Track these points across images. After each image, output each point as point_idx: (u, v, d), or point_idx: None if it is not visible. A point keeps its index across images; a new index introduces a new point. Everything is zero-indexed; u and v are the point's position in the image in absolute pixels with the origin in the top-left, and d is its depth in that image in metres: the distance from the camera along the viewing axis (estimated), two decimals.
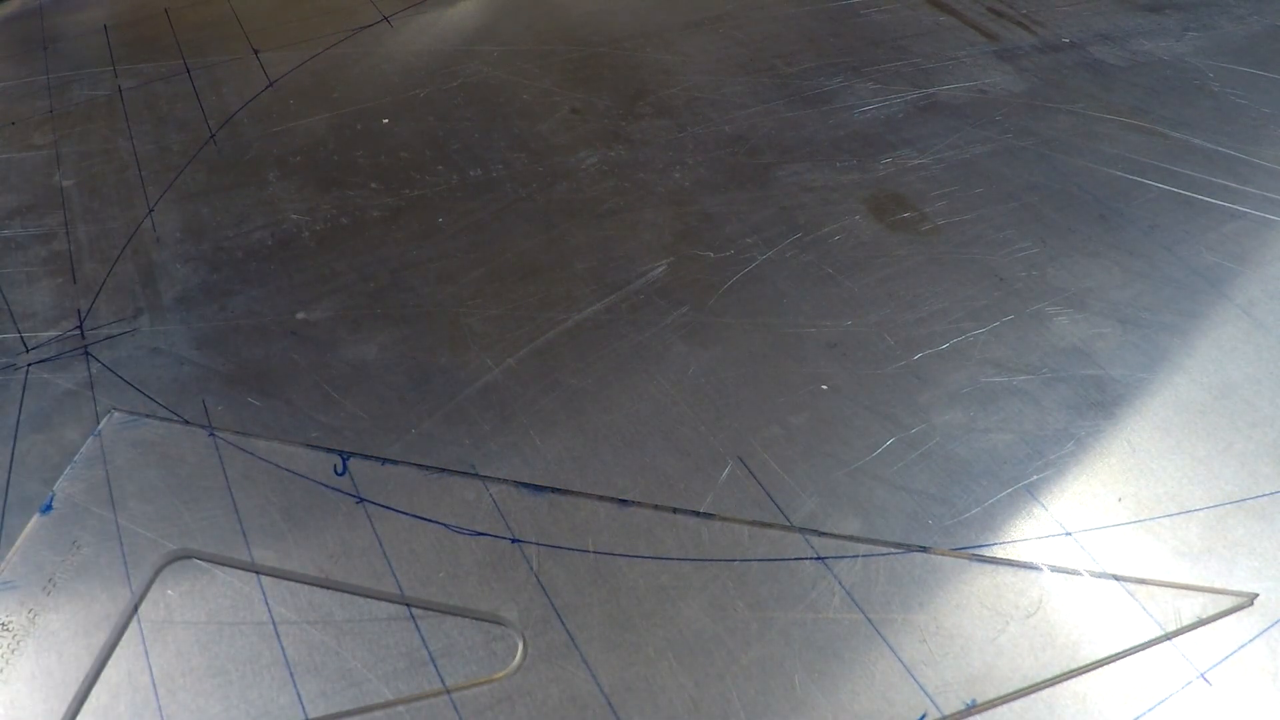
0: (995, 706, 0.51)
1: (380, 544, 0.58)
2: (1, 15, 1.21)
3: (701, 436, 0.65)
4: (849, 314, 0.74)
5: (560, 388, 0.68)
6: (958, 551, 0.58)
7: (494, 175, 0.88)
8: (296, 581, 0.57)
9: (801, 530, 0.59)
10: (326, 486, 0.62)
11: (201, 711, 0.51)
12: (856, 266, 0.78)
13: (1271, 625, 0.55)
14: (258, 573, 0.57)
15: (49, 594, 0.56)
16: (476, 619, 0.55)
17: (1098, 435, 0.65)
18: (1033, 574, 0.57)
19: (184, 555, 0.58)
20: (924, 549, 0.58)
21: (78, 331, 0.73)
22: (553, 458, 0.64)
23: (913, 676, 0.52)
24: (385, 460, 0.63)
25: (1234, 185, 0.86)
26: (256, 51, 1.10)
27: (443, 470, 0.63)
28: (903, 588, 0.56)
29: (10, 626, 0.54)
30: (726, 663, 0.53)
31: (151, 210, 0.86)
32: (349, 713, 0.51)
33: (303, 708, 0.51)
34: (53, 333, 0.73)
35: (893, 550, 0.58)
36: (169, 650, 0.53)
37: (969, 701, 0.51)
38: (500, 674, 0.52)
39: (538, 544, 0.58)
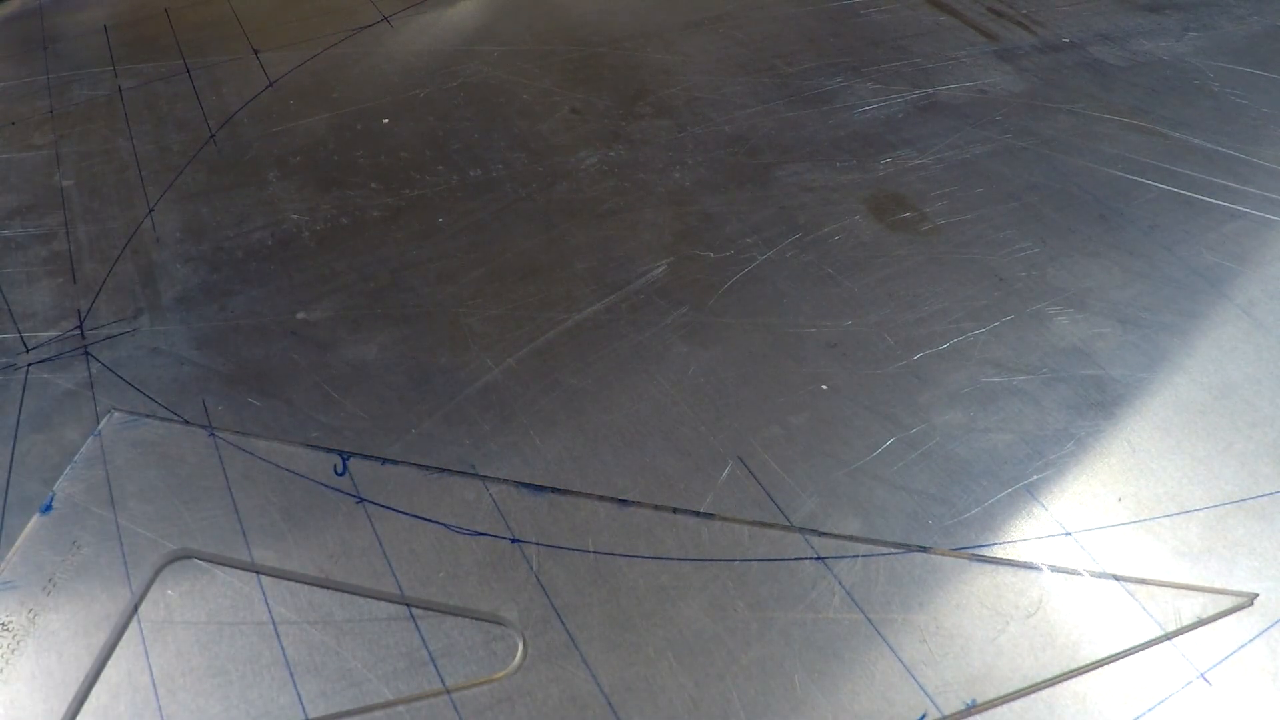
0: (995, 706, 0.51)
1: (380, 544, 0.58)
2: (1, 15, 1.21)
3: (701, 436, 0.65)
4: (849, 314, 0.74)
5: (560, 388, 0.68)
6: (958, 551, 0.58)
7: (494, 175, 0.88)
8: (296, 581, 0.57)
9: (801, 530, 0.59)
10: (326, 486, 0.62)
11: (201, 711, 0.51)
12: (856, 266, 0.78)
13: (1271, 625, 0.55)
14: (258, 573, 0.57)
15: (49, 594, 0.56)
16: (476, 619, 0.55)
17: (1098, 435, 0.65)
18: (1033, 574, 0.57)
19: (184, 555, 0.58)
20: (924, 549, 0.58)
21: (78, 331, 0.73)
22: (553, 458, 0.64)
23: (913, 676, 0.52)
24: (385, 460, 0.63)
25: (1234, 185, 0.86)
26: (256, 51, 1.10)
27: (443, 470, 0.63)
28: (903, 588, 0.56)
29: (10, 626, 0.54)
30: (726, 663, 0.53)
31: (151, 210, 0.86)
32: (349, 713, 0.51)
33: (303, 708, 0.51)
34: (53, 333, 0.73)
35: (893, 550, 0.58)
36: (169, 650, 0.53)
37: (969, 701, 0.51)
38: (500, 674, 0.52)
39: (538, 544, 0.58)
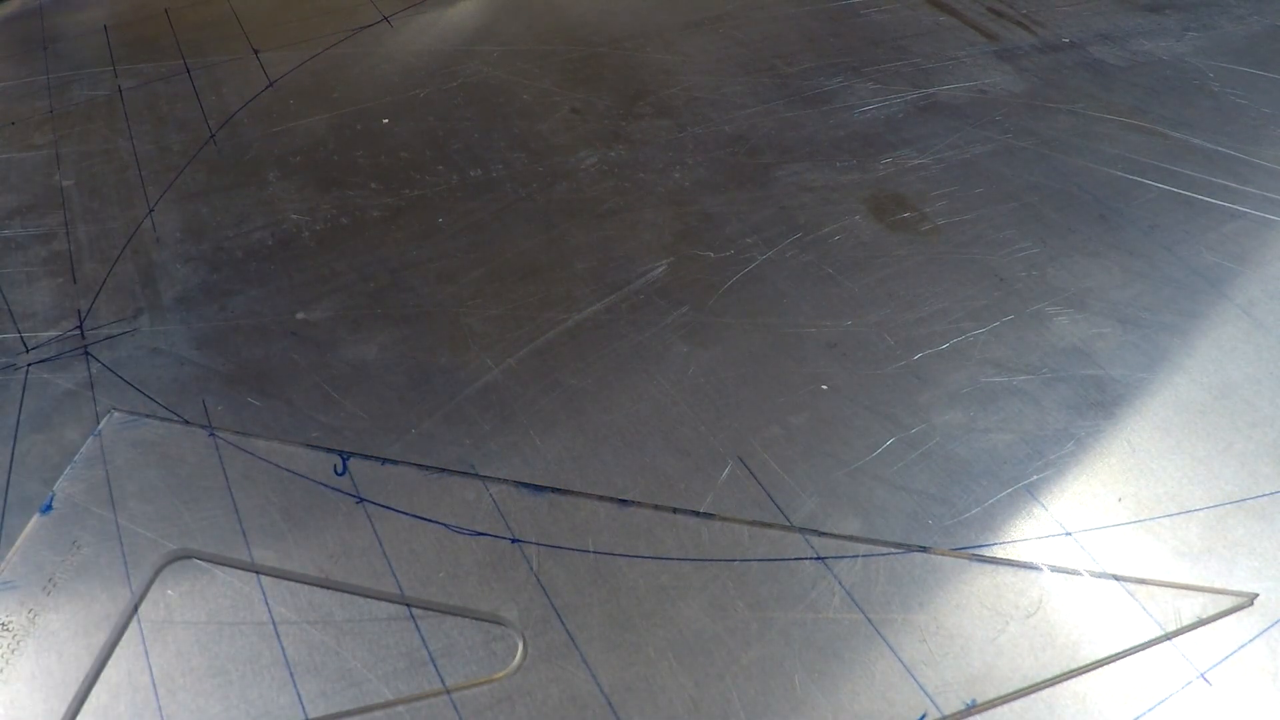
0: (995, 706, 0.51)
1: (380, 544, 0.58)
2: (1, 15, 1.21)
3: (701, 436, 0.65)
4: (849, 314, 0.74)
5: (560, 388, 0.68)
6: (958, 551, 0.58)
7: (494, 175, 0.88)
8: (296, 581, 0.57)
9: (801, 530, 0.59)
10: (326, 486, 0.62)
11: (201, 711, 0.51)
12: (856, 266, 0.78)
13: (1271, 625, 0.55)
14: (258, 573, 0.57)
15: (49, 594, 0.56)
16: (476, 619, 0.55)
17: (1098, 435, 0.65)
18: (1033, 574, 0.57)
19: (184, 555, 0.58)
20: (924, 549, 0.58)
21: (78, 331, 0.73)
22: (553, 458, 0.64)
23: (913, 676, 0.52)
24: (385, 460, 0.63)
25: (1234, 185, 0.86)
26: (256, 51, 1.10)
27: (443, 470, 0.63)
28: (903, 588, 0.56)
29: (10, 626, 0.54)
30: (726, 663, 0.53)
31: (151, 210, 0.86)
32: (349, 713, 0.51)
33: (303, 708, 0.51)
34: (53, 333, 0.73)
35: (893, 550, 0.58)
36: (169, 650, 0.53)
37: (969, 701, 0.51)
38: (500, 674, 0.52)
39: (538, 544, 0.58)
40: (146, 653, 0.53)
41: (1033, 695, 0.51)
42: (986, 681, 0.52)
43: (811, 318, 0.74)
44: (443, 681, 0.52)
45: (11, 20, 1.20)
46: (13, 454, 0.64)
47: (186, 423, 0.66)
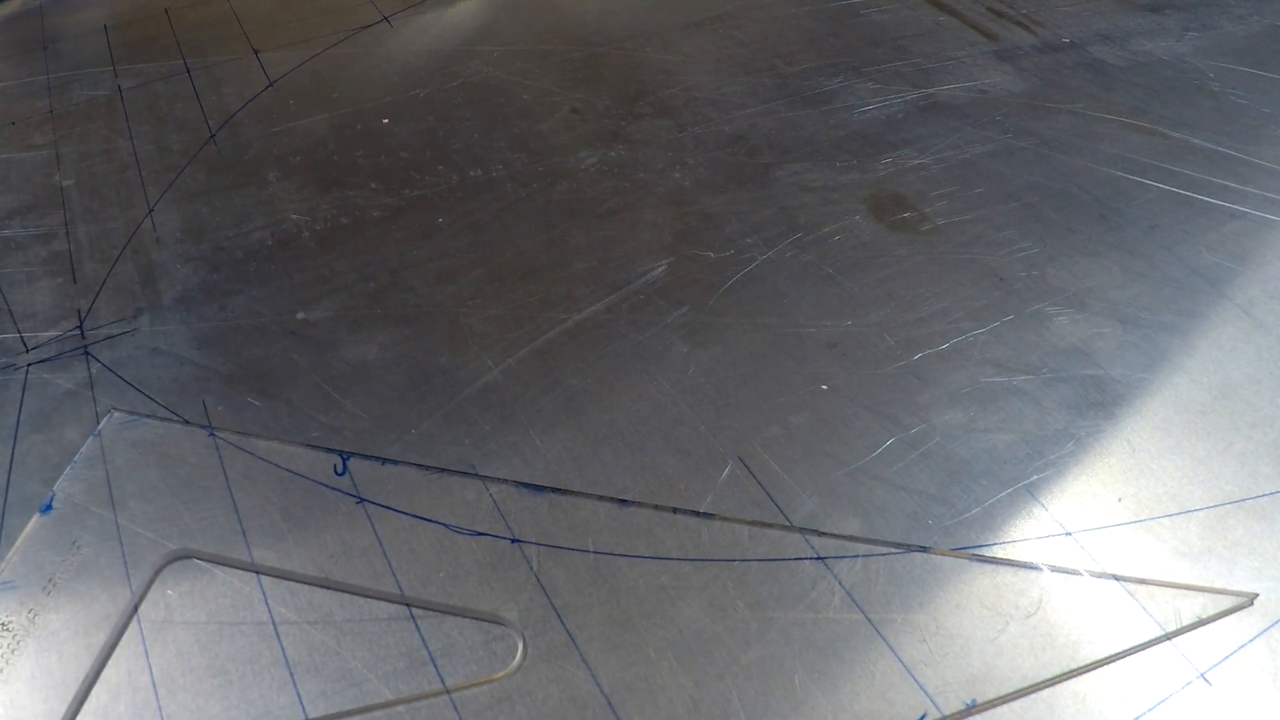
0: (995, 706, 0.51)
1: (380, 544, 0.58)
2: (1, 15, 1.22)
3: (701, 436, 0.65)
4: (849, 314, 0.74)
5: (560, 388, 0.68)
6: (958, 551, 0.58)
7: (494, 175, 0.88)
8: (296, 581, 0.57)
9: (801, 530, 0.59)
10: (326, 486, 0.62)
11: (201, 711, 0.51)
12: (856, 266, 0.78)
13: (1271, 625, 0.55)
14: (258, 573, 0.57)
15: (49, 594, 0.56)
16: (476, 619, 0.55)
17: (1098, 435, 0.65)
18: (1033, 574, 0.57)
19: (184, 555, 0.58)
20: (924, 549, 0.58)
21: (78, 331, 0.73)
22: (553, 458, 0.64)
23: (913, 676, 0.52)
24: (385, 460, 0.63)
25: (1234, 185, 0.86)
26: (256, 51, 1.10)
27: (443, 470, 0.63)
28: (903, 588, 0.56)
29: (10, 626, 0.54)
30: (726, 663, 0.53)
31: (151, 210, 0.86)
32: (349, 713, 0.51)
33: (303, 708, 0.51)
34: (53, 333, 0.73)
35: (893, 550, 0.58)
36: (169, 650, 0.53)
37: (969, 701, 0.51)
38: (500, 674, 0.52)
39: (538, 544, 0.58)
40: (146, 653, 0.53)
41: (1033, 695, 0.51)
42: (986, 681, 0.52)
43: (811, 318, 0.74)
44: (443, 681, 0.52)
45: (11, 20, 1.20)
46: (13, 454, 0.64)
47: (186, 423, 0.66)
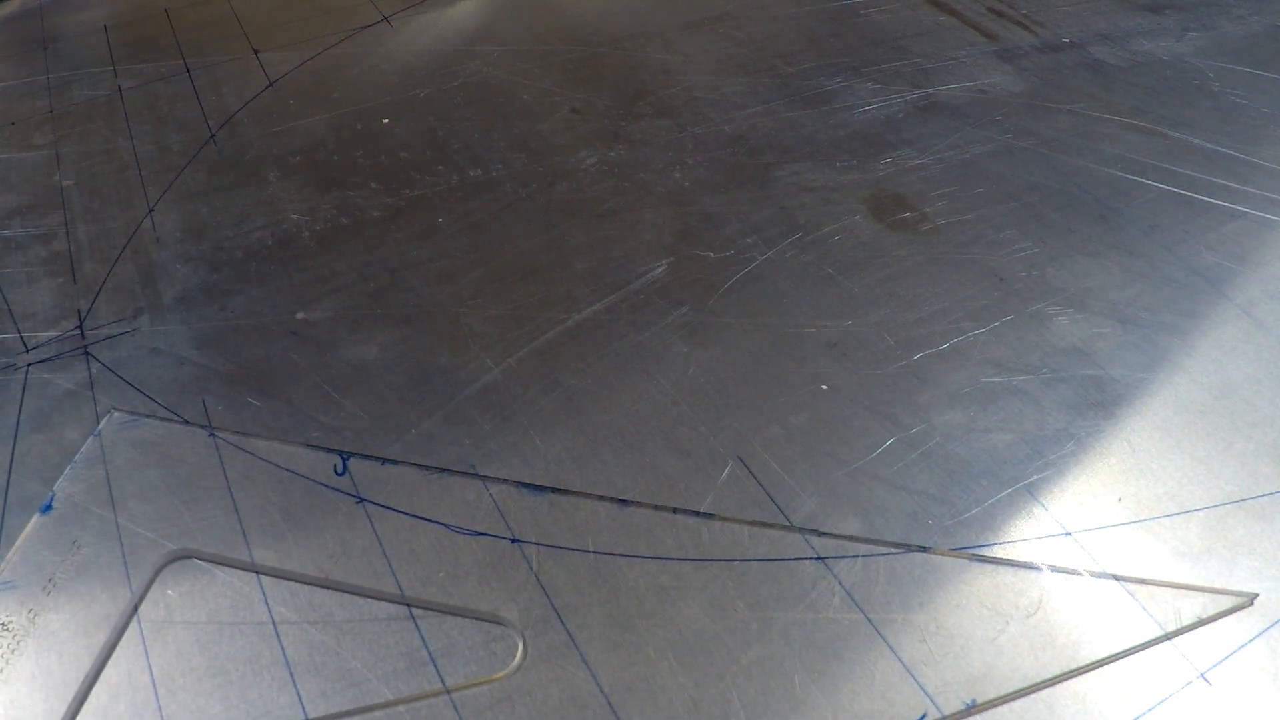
0: (995, 706, 0.51)
1: (380, 544, 0.58)
2: (1, 15, 1.21)
3: (701, 436, 0.65)
4: (849, 314, 0.74)
5: (560, 388, 0.68)
6: (958, 551, 0.58)
7: (494, 175, 0.88)
8: (296, 581, 0.57)
9: (801, 530, 0.59)
10: (326, 486, 0.62)
11: (201, 711, 0.51)
12: (856, 266, 0.78)
13: (1271, 625, 0.55)
14: (258, 573, 0.57)
15: (49, 594, 0.56)
16: (476, 619, 0.55)
17: (1098, 435, 0.65)
18: (1033, 574, 0.57)
19: (184, 555, 0.58)
20: (924, 549, 0.58)
21: (78, 331, 0.73)
22: (553, 458, 0.63)
23: (913, 676, 0.52)
24: (385, 460, 0.63)
25: (1234, 185, 0.86)
26: (256, 51, 1.10)
27: (443, 470, 0.63)
28: (903, 588, 0.56)
29: (10, 626, 0.54)
30: (726, 663, 0.53)
31: (151, 210, 0.86)
32: (349, 713, 0.51)
33: (303, 708, 0.51)
34: (53, 333, 0.73)
35: (893, 550, 0.58)
36: (169, 650, 0.53)
37: (969, 701, 0.51)
38: (500, 674, 0.52)
39: (538, 544, 0.58)
40: (146, 653, 0.53)
41: (1033, 695, 0.51)
42: (986, 681, 0.52)
43: (811, 318, 0.74)
44: (443, 681, 0.52)
45: (11, 20, 1.20)
46: (13, 454, 0.64)
47: (186, 423, 0.66)
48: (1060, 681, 0.52)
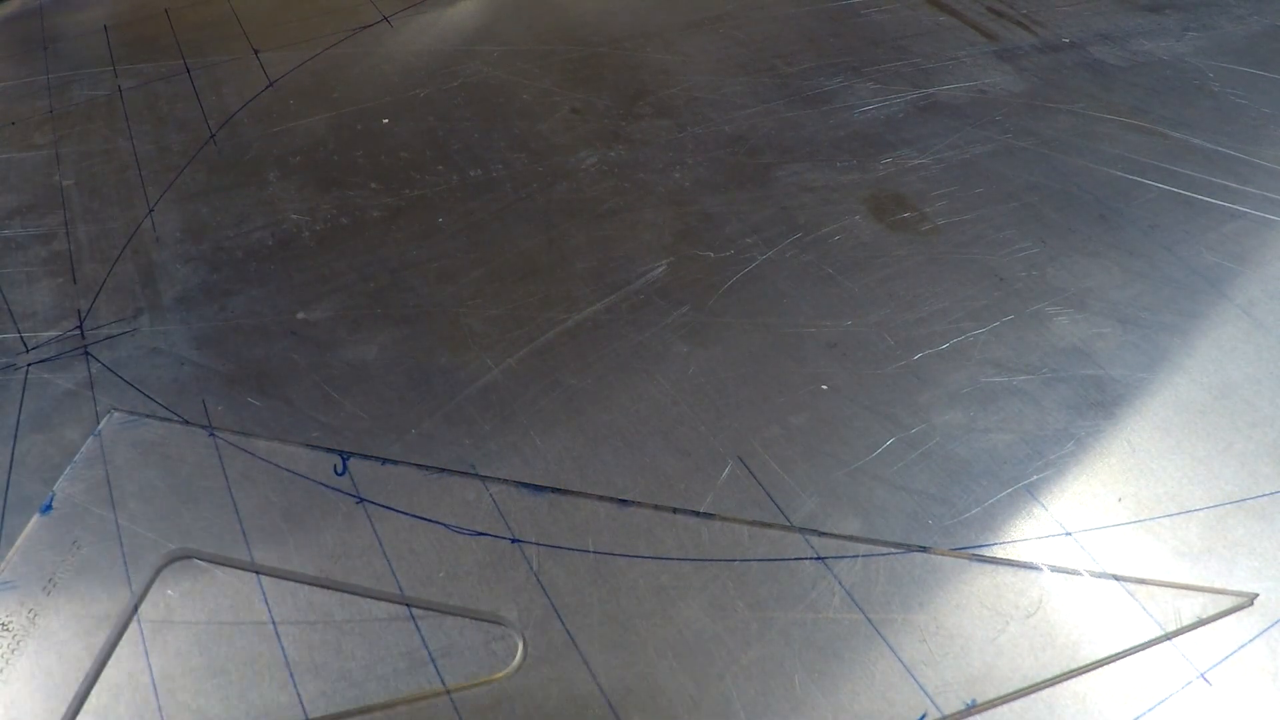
0: (995, 706, 0.51)
1: (380, 544, 0.58)
2: (1, 15, 1.21)
3: (701, 436, 0.65)
4: (849, 314, 0.74)
5: (560, 388, 0.68)
6: (958, 551, 0.58)
7: (494, 175, 0.88)
8: (296, 581, 0.57)
9: (801, 530, 0.59)
10: (326, 486, 0.62)
11: (201, 711, 0.51)
12: (856, 266, 0.78)
13: (1271, 625, 0.55)
14: (258, 573, 0.57)
15: (49, 594, 0.56)
16: (476, 619, 0.55)
17: (1098, 435, 0.65)
18: (1033, 574, 0.57)
19: (184, 555, 0.58)
20: (924, 549, 0.58)
21: (78, 331, 0.73)
22: (553, 458, 0.63)
23: (913, 676, 0.52)
24: (385, 460, 0.63)
25: (1234, 185, 0.86)
26: (256, 51, 1.10)
27: (443, 470, 0.63)
28: (903, 588, 0.56)
29: (10, 626, 0.54)
30: (726, 663, 0.53)
31: (151, 210, 0.86)
32: (349, 713, 0.51)
33: (303, 708, 0.51)
34: (53, 333, 0.73)
35: (893, 550, 0.58)
36: (169, 650, 0.53)
37: (969, 701, 0.51)
38: (500, 674, 0.52)
39: (538, 544, 0.58)
40: (146, 653, 0.53)
41: (1033, 695, 0.51)
42: (986, 681, 0.52)
43: (811, 318, 0.74)
44: (443, 681, 0.52)
45: (11, 20, 1.20)
46: (13, 454, 0.64)
47: (186, 423, 0.66)
48: (1060, 681, 0.52)
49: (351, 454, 0.64)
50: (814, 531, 0.59)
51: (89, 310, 0.75)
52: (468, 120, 0.96)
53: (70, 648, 0.54)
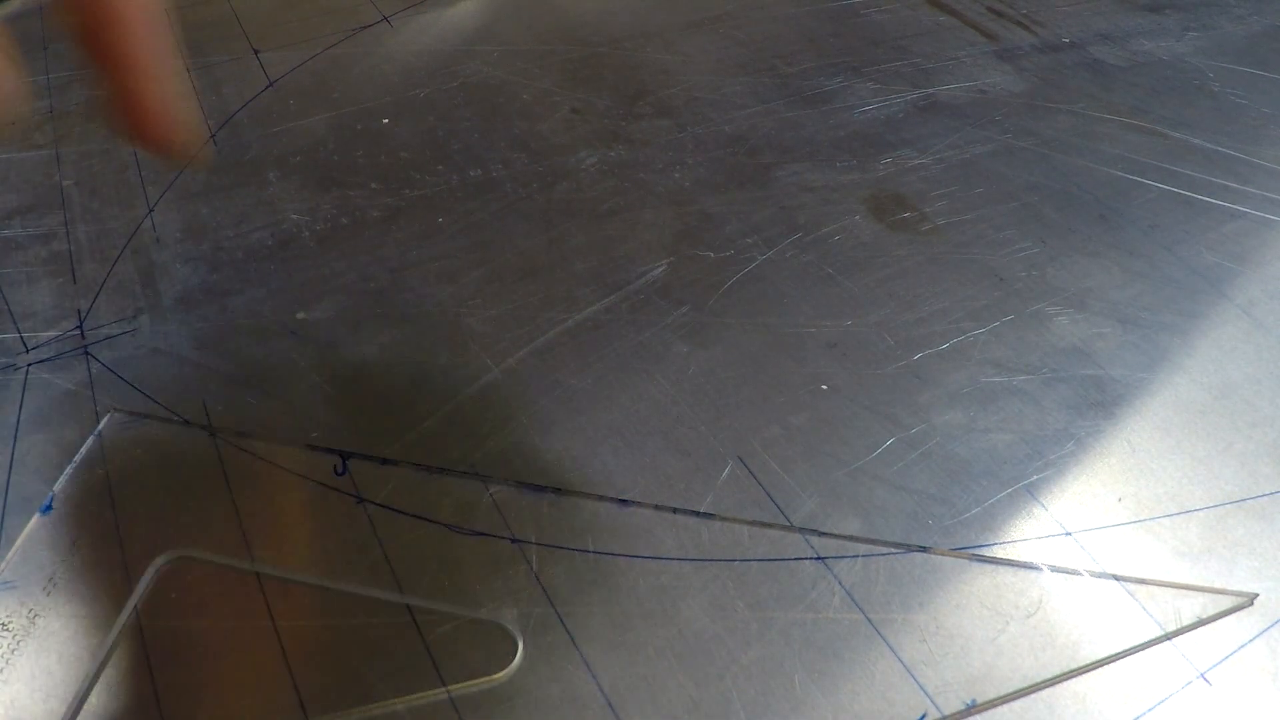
0: (995, 706, 0.51)
1: (380, 544, 0.58)
2: (1, 15, 1.21)
3: (701, 436, 0.65)
4: (849, 314, 0.74)
5: (560, 388, 0.68)
6: (958, 551, 0.58)
7: (494, 175, 0.88)
8: (296, 581, 0.57)
9: (801, 530, 0.59)
10: (326, 486, 0.62)
11: (201, 711, 0.51)
12: (856, 266, 0.78)
13: (1271, 625, 0.55)
14: (258, 573, 0.57)
15: (49, 594, 0.56)
16: (476, 619, 0.55)
17: (1098, 435, 0.65)
18: (1033, 574, 0.57)
19: (184, 555, 0.58)
20: (924, 549, 0.58)
21: (78, 331, 0.73)
22: (553, 458, 0.63)
23: (913, 676, 0.52)
24: (385, 460, 0.63)
25: (1234, 185, 0.86)
26: (256, 51, 1.10)
27: (443, 470, 0.63)
28: (903, 588, 0.56)
29: (10, 626, 0.54)
30: (726, 663, 0.53)
31: (151, 210, 0.86)
32: (349, 713, 0.51)
33: (303, 708, 0.51)
34: (53, 333, 0.73)
35: (893, 550, 0.58)
36: (169, 650, 0.53)
37: (969, 701, 0.51)
38: (500, 674, 0.52)
39: (538, 544, 0.58)
40: (146, 653, 0.53)
41: (1033, 695, 0.51)
42: (986, 681, 0.52)
43: (811, 318, 0.74)
44: (443, 681, 0.52)
45: (11, 20, 1.20)
46: (13, 454, 0.64)
47: (186, 423, 0.66)
48: (1060, 681, 0.52)
49: (351, 454, 0.64)
50: (814, 531, 0.59)
51: (89, 310, 0.75)
52: (468, 120, 0.96)
53: (70, 648, 0.53)
